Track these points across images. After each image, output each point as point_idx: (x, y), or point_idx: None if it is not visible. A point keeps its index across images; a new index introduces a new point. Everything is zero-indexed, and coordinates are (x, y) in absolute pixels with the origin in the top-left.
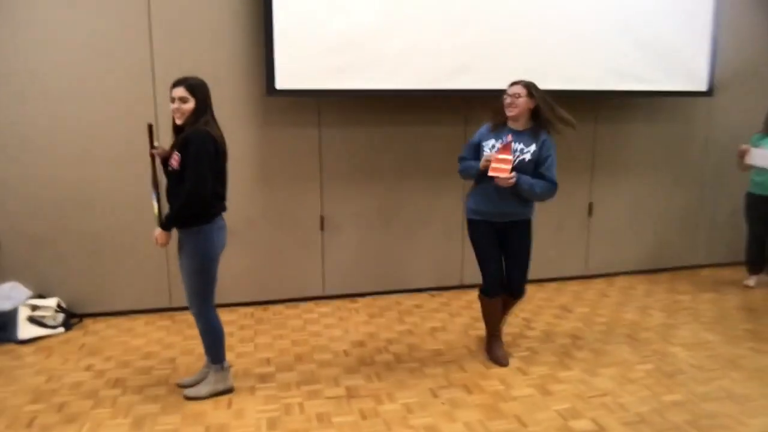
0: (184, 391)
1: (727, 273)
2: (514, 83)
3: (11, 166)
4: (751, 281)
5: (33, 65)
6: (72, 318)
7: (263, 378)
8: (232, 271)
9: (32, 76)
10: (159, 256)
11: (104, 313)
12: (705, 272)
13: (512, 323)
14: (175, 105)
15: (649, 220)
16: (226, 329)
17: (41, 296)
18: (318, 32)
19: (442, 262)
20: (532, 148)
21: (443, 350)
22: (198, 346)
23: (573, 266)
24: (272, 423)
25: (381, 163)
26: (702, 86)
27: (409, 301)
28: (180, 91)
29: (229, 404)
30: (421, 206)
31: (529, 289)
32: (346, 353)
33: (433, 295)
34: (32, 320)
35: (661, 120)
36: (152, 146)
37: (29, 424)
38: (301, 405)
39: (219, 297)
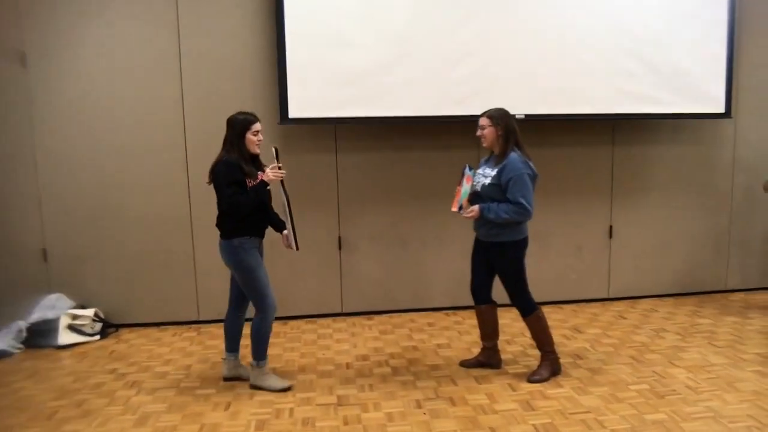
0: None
1: (759, 298)
2: (481, 115)
3: (63, 186)
4: None
5: (78, 95)
6: (109, 327)
7: None
8: None
9: (80, 105)
10: (188, 271)
11: (138, 324)
12: (735, 297)
13: (517, 342)
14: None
15: (677, 243)
16: (244, 342)
17: (82, 306)
18: (328, 66)
19: (458, 282)
20: (494, 172)
21: (441, 365)
22: (214, 356)
23: (594, 289)
24: (261, 424)
25: (395, 186)
26: (719, 108)
27: (423, 319)
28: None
29: (227, 406)
30: (437, 227)
31: (546, 310)
32: (348, 366)
33: (448, 314)
34: (72, 328)
35: (684, 142)
36: (279, 168)
37: (50, 417)
38: (291, 410)
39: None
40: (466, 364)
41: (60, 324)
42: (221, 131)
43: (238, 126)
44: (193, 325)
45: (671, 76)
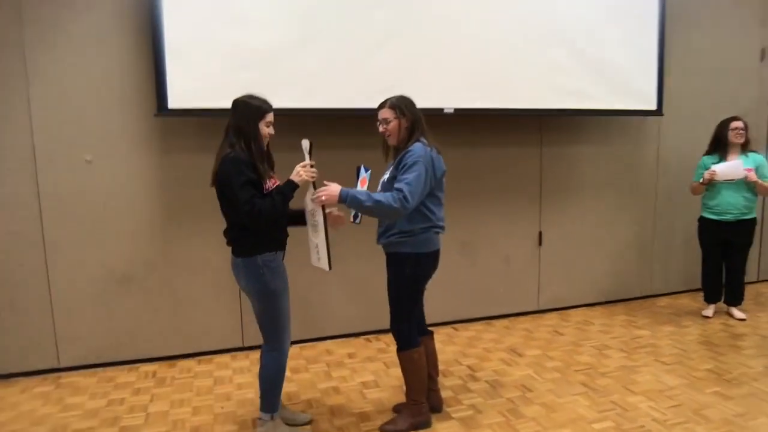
0: None
1: (684, 302)
2: (380, 105)
3: None
4: (709, 311)
5: None
6: None
7: None
8: (129, 324)
9: None
10: (42, 306)
11: None
12: (662, 302)
13: (455, 373)
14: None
15: (603, 248)
16: (119, 394)
17: None
18: (219, 46)
19: (381, 301)
20: (392, 167)
21: (371, 413)
22: (76, 421)
23: (524, 301)
24: None
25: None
26: (650, 105)
27: (341, 348)
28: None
29: None
30: (347, 238)
31: (478, 328)
32: (254, 423)
33: (369, 340)
34: None
35: (611, 142)
36: (312, 166)
37: None
38: None
39: (113, 354)
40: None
41: None
42: (81, 128)
43: (252, 113)
44: (51, 375)
45: (602, 69)
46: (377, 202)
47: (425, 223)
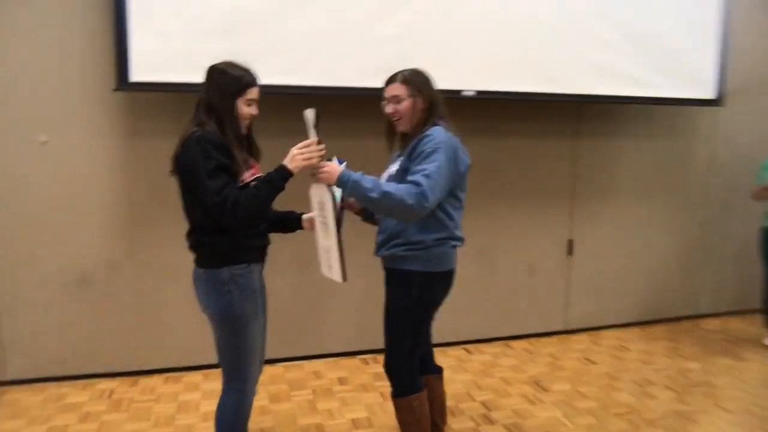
0: None
1: (738, 326)
2: (389, 80)
3: None
4: None
5: None
6: None
7: None
8: (86, 333)
9: None
10: None
11: None
12: (711, 324)
13: (466, 412)
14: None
15: (642, 259)
16: (63, 419)
17: None
18: (191, 6)
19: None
20: (403, 156)
21: None
22: None
23: (549, 319)
24: None
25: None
26: (709, 93)
27: (332, 372)
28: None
29: None
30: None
31: (495, 351)
32: None
33: (366, 362)
34: None
35: (657, 135)
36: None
37: None
38: None
39: (67, 367)
40: None
41: None
42: (35, 102)
43: (229, 85)
44: None
45: (651, 48)
46: (386, 194)
47: (441, 233)
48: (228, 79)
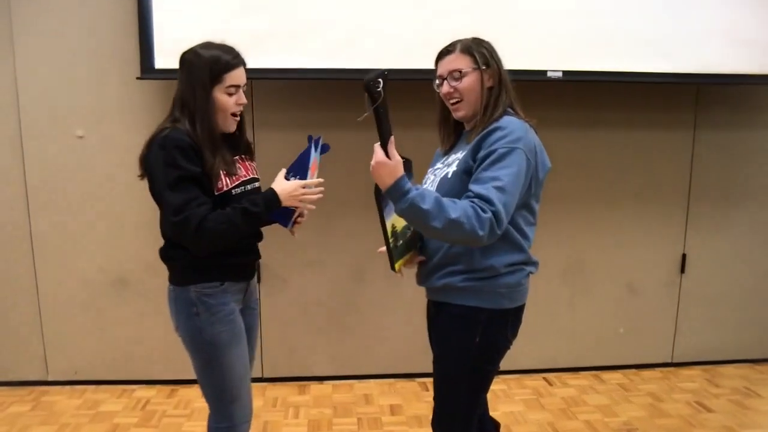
0: None
1: None
2: (444, 52)
3: None
4: None
5: None
6: None
7: None
8: (125, 337)
9: None
10: (30, 312)
11: None
12: None
13: None
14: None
15: None
16: (97, 426)
17: None
18: None
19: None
20: (466, 150)
21: None
22: None
23: (652, 349)
24: None
25: (345, 182)
26: None
27: (385, 397)
28: None
29: None
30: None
31: (582, 384)
32: None
33: (426, 387)
34: None
35: None
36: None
37: None
38: None
39: (106, 372)
40: None
41: None
42: (71, 95)
43: (202, 71)
44: (37, 388)
45: None
46: (452, 222)
47: (514, 255)
48: (201, 64)
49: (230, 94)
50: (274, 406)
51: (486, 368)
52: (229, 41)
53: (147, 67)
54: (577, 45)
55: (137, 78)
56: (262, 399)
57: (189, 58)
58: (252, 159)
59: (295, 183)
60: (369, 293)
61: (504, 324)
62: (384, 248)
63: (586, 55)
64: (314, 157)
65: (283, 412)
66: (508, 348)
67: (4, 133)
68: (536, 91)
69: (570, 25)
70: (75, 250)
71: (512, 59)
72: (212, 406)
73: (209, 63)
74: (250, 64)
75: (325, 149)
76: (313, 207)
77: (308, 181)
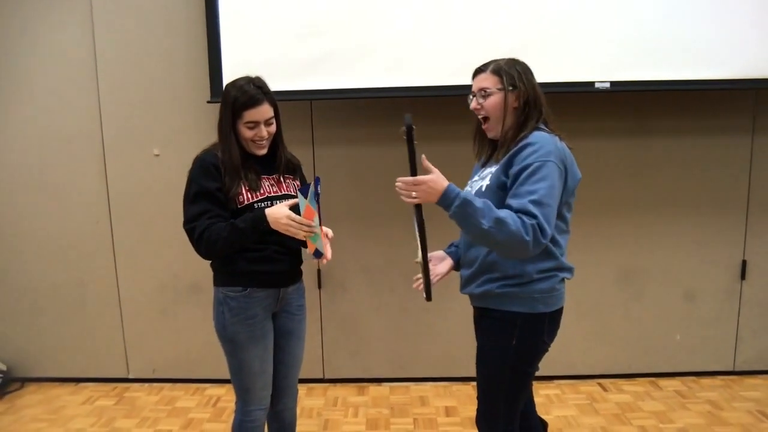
0: None
1: None
2: (478, 71)
3: None
4: None
5: None
6: (13, 383)
7: None
8: (198, 339)
9: None
10: (112, 311)
11: (51, 379)
12: None
13: None
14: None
15: None
16: (167, 424)
17: None
18: (279, 15)
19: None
20: (495, 167)
21: None
22: None
23: (712, 357)
24: None
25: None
26: None
27: (439, 398)
28: None
29: None
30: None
31: (637, 390)
32: None
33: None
34: None
35: None
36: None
37: None
38: None
39: (181, 370)
40: None
41: None
42: (148, 115)
43: (226, 106)
44: (120, 385)
45: None
46: (499, 221)
47: (548, 262)
48: (227, 100)
49: (250, 128)
50: (334, 406)
51: (524, 369)
52: (289, 64)
53: (216, 91)
54: (625, 54)
55: (207, 102)
56: (323, 398)
57: (223, 93)
58: (294, 177)
59: (285, 213)
60: (423, 298)
61: (540, 327)
62: (420, 283)
63: (633, 65)
64: (306, 203)
65: (342, 411)
66: (546, 350)
67: (90, 152)
68: (584, 102)
69: (615, 34)
70: (153, 259)
71: (559, 72)
72: (236, 391)
73: (231, 100)
74: (307, 86)
75: (311, 193)
76: (302, 237)
77: (296, 217)
